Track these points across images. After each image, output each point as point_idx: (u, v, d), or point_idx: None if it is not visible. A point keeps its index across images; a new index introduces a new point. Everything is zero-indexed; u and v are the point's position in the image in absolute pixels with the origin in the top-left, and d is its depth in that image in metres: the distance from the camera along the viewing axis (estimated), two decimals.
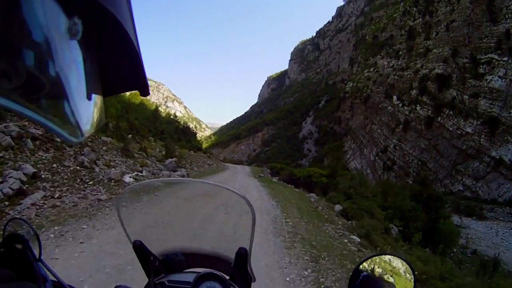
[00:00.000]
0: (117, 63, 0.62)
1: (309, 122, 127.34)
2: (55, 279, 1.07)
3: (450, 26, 53.02)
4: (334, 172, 31.12)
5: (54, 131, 0.43)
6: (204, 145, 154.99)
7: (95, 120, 0.58)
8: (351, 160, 72.40)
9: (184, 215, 1.80)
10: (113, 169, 12.56)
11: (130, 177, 12.54)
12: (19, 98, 0.36)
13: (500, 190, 39.46)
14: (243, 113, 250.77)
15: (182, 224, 1.68)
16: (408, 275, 1.14)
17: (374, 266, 1.19)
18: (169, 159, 21.86)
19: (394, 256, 1.18)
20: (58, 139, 12.17)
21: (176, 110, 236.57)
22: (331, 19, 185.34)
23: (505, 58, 42.04)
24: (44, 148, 10.90)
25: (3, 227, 1.33)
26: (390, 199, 20.41)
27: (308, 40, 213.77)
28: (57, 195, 8.39)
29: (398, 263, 1.17)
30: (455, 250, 20.52)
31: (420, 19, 64.06)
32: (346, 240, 8.81)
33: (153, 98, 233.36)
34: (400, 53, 67.86)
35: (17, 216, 1.79)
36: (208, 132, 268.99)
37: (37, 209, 7.37)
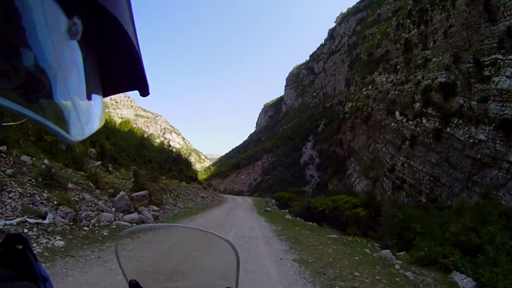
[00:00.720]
0: (117, 63, 0.62)
1: (309, 147, 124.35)
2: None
3: (448, 33, 50.41)
4: (372, 200, 24.38)
5: (54, 131, 0.42)
6: (203, 176, 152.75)
7: (95, 120, 0.57)
8: (357, 183, 68.51)
9: (175, 257, 2.03)
10: None
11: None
12: (19, 98, 0.36)
13: None
14: (242, 142, 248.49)
15: (173, 265, 1.78)
16: None
17: None
18: (136, 192, 18.24)
19: None
20: None
21: (175, 141, 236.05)
22: (323, 42, 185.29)
23: (510, 57, 38.77)
24: None
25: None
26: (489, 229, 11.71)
27: (302, 65, 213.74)
28: None
29: None
30: None
31: (415, 30, 61.73)
32: None
33: (151, 129, 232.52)
34: (398, 67, 65.21)
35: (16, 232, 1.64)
36: (207, 163, 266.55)
37: None
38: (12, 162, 12.39)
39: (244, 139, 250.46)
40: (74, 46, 0.45)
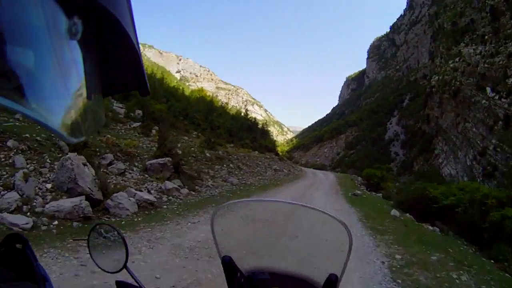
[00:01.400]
0: (117, 63, 0.63)
1: (394, 122, 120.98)
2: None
3: None
4: None
5: (53, 131, 0.43)
6: (285, 148, 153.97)
7: (95, 120, 0.57)
8: (444, 165, 64.59)
9: (274, 235, 1.84)
10: None
11: None
12: (19, 98, 0.35)
13: None
14: (325, 115, 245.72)
15: (271, 244, 1.69)
16: None
17: None
18: (155, 159, 14.75)
19: None
20: None
21: (257, 113, 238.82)
22: (403, 12, 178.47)
23: None
24: None
25: (88, 232, 1.46)
26: None
27: (383, 36, 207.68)
28: None
29: None
30: None
31: None
32: None
33: (233, 101, 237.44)
34: (486, 37, 59.58)
35: (105, 222, 1.40)
36: (290, 135, 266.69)
37: None
38: None
39: (327, 112, 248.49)
40: (74, 46, 0.45)
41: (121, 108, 24.53)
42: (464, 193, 17.71)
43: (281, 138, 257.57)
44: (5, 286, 0.80)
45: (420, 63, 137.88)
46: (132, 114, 24.62)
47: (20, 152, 10.07)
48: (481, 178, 48.93)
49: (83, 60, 0.48)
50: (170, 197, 12.71)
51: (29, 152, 10.39)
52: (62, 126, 0.44)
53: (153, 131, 21.77)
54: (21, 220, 7.41)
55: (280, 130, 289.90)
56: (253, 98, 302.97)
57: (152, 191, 12.37)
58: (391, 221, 13.89)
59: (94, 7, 0.42)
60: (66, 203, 8.41)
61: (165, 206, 11.57)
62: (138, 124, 22.15)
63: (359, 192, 24.36)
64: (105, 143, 14.42)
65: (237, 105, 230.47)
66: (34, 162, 10.08)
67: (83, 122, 0.51)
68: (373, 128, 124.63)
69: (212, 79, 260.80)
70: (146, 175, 13.74)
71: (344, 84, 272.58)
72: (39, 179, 9.39)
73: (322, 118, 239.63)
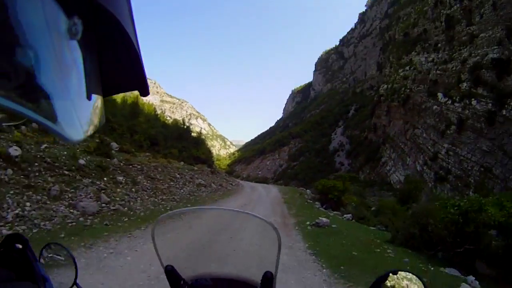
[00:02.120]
0: (117, 63, 0.62)
1: (339, 133, 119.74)
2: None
3: (498, 4, 45.26)
4: None
5: (53, 131, 0.42)
6: (227, 162, 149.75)
7: (95, 120, 0.57)
8: (392, 172, 63.96)
9: (213, 241, 2.20)
10: None
11: None
12: (19, 98, 0.35)
13: None
14: (268, 128, 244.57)
15: (210, 250, 1.95)
16: None
17: (391, 282, 1.26)
18: None
19: (409, 272, 1.26)
20: None
21: (201, 127, 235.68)
22: (353, 26, 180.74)
23: None
24: None
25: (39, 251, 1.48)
26: None
27: (331, 50, 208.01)
28: None
29: (412, 280, 1.25)
30: None
31: (457, 6, 56.67)
32: None
33: (177, 115, 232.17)
34: (439, 45, 60.50)
35: (54, 241, 1.80)
36: (233, 149, 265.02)
37: None
38: None
39: (271, 125, 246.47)
40: (74, 46, 0.45)
41: None
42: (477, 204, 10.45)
43: (224, 152, 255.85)
44: (5, 286, 0.79)
45: (368, 74, 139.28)
46: None
47: None
48: (433, 183, 48.10)
49: (83, 60, 0.48)
50: None
51: None
52: (62, 126, 0.44)
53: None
54: None
55: (223, 144, 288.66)
56: (197, 112, 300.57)
57: None
58: None
59: (94, 7, 0.42)
60: None
61: None
62: None
63: (323, 219, 14.40)
64: None
65: (181, 118, 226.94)
66: None
67: (83, 122, 0.50)
68: (317, 140, 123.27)
69: (157, 92, 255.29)
70: None
71: (289, 97, 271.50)
72: None
73: (265, 131, 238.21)
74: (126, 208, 12.77)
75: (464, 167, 43.26)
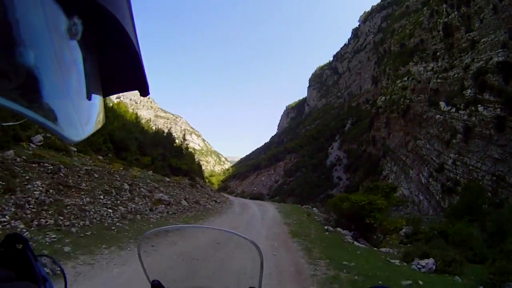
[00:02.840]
0: (117, 63, 0.62)
1: (335, 147, 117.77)
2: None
3: (499, 7, 44.49)
4: None
5: (53, 131, 0.42)
6: (221, 177, 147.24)
7: (95, 120, 0.57)
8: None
9: (198, 257, 2.30)
10: None
11: None
12: (19, 98, 0.35)
13: None
14: (263, 144, 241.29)
15: (196, 265, 2.02)
16: None
17: None
18: None
19: None
20: None
21: (194, 142, 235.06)
22: (347, 41, 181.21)
23: None
24: None
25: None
26: None
27: (325, 65, 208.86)
28: None
29: None
30: None
31: (455, 13, 56.08)
32: None
33: (171, 130, 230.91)
34: (438, 53, 59.69)
35: (44, 254, 1.84)
36: (227, 165, 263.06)
37: None
38: None
39: (266, 141, 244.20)
40: (74, 46, 0.44)
41: None
42: None
43: (219, 168, 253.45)
44: (5, 286, 0.80)
45: (363, 88, 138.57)
46: None
47: None
48: (440, 196, 45.74)
49: (83, 60, 0.48)
50: None
51: None
52: (62, 126, 0.44)
53: None
54: None
55: (218, 160, 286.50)
56: (192, 128, 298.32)
57: None
58: None
59: (94, 7, 0.42)
60: None
61: None
62: None
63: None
64: None
65: (175, 134, 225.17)
66: None
67: (83, 122, 0.50)
68: (314, 154, 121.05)
69: (151, 107, 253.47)
70: None
71: (283, 113, 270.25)
72: None
73: (260, 147, 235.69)
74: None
75: (474, 177, 40.92)
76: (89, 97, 0.52)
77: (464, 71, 48.65)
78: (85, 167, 15.82)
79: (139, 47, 0.56)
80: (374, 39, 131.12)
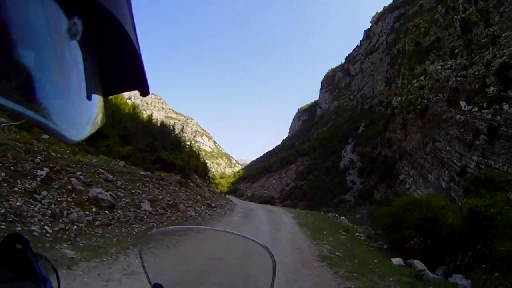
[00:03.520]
0: (117, 63, 0.63)
1: (348, 150, 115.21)
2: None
3: None
4: None
5: (54, 131, 0.42)
6: (231, 180, 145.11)
7: (95, 120, 0.57)
8: (413, 190, 58.52)
9: (203, 261, 1.85)
10: None
11: None
12: (19, 98, 0.35)
13: None
14: (274, 147, 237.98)
15: (201, 270, 1.65)
16: None
17: None
18: None
19: None
20: None
21: (205, 144, 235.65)
22: (359, 43, 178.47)
23: None
24: None
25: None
26: None
27: (337, 67, 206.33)
28: None
29: None
30: None
31: (472, 8, 54.03)
32: None
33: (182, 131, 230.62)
34: (456, 51, 57.02)
35: (38, 252, 1.48)
36: (238, 168, 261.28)
37: None
38: None
39: (277, 144, 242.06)
40: (74, 46, 0.44)
41: None
42: None
43: (230, 170, 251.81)
44: (5, 286, 0.79)
45: (376, 90, 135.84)
46: None
47: None
48: (462, 201, 42.02)
49: (83, 60, 0.48)
50: None
51: None
52: (62, 126, 0.44)
53: None
54: None
55: (228, 162, 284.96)
56: (203, 129, 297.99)
57: None
58: None
59: (94, 7, 0.42)
60: None
61: None
62: None
63: None
64: None
65: (186, 135, 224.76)
66: None
67: (83, 122, 0.51)
68: (326, 157, 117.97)
69: (162, 108, 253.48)
70: None
71: (295, 116, 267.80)
72: None
73: (271, 150, 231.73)
74: None
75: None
76: (89, 97, 0.52)
77: (485, 67, 46.47)
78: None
79: (139, 47, 0.56)
80: (387, 40, 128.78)
